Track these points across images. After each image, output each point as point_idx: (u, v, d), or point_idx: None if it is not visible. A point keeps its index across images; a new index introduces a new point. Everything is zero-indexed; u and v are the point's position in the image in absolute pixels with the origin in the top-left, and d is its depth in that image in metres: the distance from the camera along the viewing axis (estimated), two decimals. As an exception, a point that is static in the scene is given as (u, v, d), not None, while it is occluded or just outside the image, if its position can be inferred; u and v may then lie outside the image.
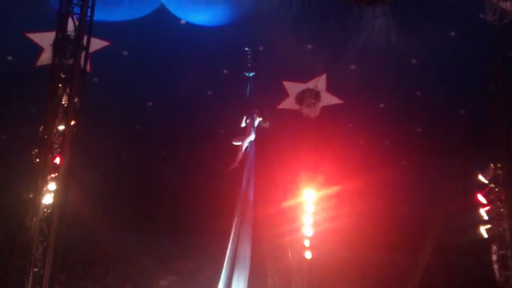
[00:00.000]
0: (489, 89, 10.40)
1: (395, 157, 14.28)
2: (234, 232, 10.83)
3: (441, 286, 14.46)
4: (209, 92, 13.20)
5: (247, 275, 10.74)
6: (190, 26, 11.70)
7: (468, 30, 11.44)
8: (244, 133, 11.08)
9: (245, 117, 11.05)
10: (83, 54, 9.04)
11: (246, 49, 10.95)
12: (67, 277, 13.94)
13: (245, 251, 10.76)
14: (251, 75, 10.99)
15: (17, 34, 11.31)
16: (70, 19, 8.96)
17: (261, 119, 11.10)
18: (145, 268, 15.00)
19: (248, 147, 11.14)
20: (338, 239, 14.04)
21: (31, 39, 11.36)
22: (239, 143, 11.03)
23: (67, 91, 8.81)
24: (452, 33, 11.80)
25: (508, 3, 10.44)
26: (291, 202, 13.99)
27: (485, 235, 10.72)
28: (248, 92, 11.03)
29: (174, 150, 14.42)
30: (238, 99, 11.60)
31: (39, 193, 8.50)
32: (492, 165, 10.48)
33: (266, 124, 11.12)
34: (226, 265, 10.68)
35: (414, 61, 12.50)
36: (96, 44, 10.89)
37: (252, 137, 11.09)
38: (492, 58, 10.26)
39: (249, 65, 10.92)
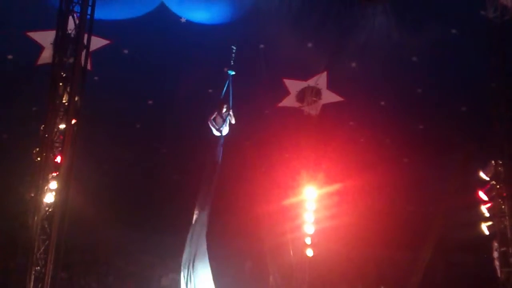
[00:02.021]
0: (490, 86, 10.39)
1: (396, 154, 14.27)
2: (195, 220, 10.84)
3: (442, 283, 14.48)
4: (210, 90, 13.19)
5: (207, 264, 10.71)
6: (190, 24, 11.69)
7: (469, 27, 11.42)
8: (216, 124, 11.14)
9: (215, 113, 11.10)
10: (83, 52, 9.04)
11: (232, 47, 10.95)
12: (69, 275, 13.97)
13: (200, 239, 10.75)
14: (232, 73, 11.01)
15: (18, 33, 11.30)
16: (70, 18, 8.94)
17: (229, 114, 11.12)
18: (146, 266, 15.02)
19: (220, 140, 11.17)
20: (339, 237, 14.05)
21: (31, 37, 11.35)
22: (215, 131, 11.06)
23: (68, 89, 8.80)
24: (453, 30, 11.78)
25: (508, 0, 10.42)
26: (292, 200, 14.00)
27: (486, 232, 10.73)
28: (225, 90, 11.05)
29: (174, 149, 14.42)
30: (240, 97, 11.59)
31: (40, 192, 8.51)
32: (493, 162, 10.49)
33: (232, 120, 11.18)
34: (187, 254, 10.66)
35: (414, 58, 12.49)
36: (97, 42, 10.89)
37: (224, 131, 11.12)
38: (493, 55, 10.25)
39: (232, 63, 10.92)
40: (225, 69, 11.48)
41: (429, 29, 11.61)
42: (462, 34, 11.68)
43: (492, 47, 10.27)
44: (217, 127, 11.09)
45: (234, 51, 10.92)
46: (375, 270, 15.36)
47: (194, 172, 14.09)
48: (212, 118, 11.15)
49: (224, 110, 11.10)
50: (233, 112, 11.12)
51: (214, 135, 11.18)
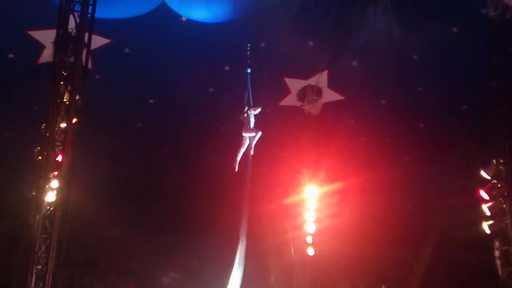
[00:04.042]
0: (491, 85, 10.37)
1: (397, 153, 14.26)
2: (242, 229, 10.94)
3: (443, 282, 14.47)
4: (211, 89, 13.20)
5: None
6: (191, 23, 11.70)
7: (470, 25, 11.40)
8: (246, 125, 11.06)
9: (246, 109, 11.03)
10: (84, 51, 9.04)
11: (248, 45, 10.95)
12: (70, 274, 13.97)
13: (243, 247, 10.90)
14: (249, 71, 11.02)
15: (18, 32, 11.30)
16: (71, 17, 8.95)
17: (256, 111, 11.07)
18: (148, 265, 15.02)
19: (251, 142, 11.12)
20: (341, 236, 14.03)
21: (32, 36, 11.35)
22: (248, 135, 11.00)
23: (69, 88, 8.81)
24: (454, 29, 11.77)
25: (510, -2, 10.41)
26: (293, 199, 13.97)
27: (488, 231, 10.70)
28: (248, 88, 11.05)
29: (175, 147, 14.42)
30: (240, 96, 11.59)
31: (41, 190, 8.51)
32: (494, 161, 10.46)
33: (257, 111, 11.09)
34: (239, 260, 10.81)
35: (416, 57, 12.49)
36: (98, 41, 10.89)
37: (258, 133, 11.04)
38: (494, 54, 10.23)
39: (248, 61, 10.92)
40: (227, 68, 11.49)
41: (430, 28, 11.60)
42: (463, 32, 11.67)
43: (493, 46, 10.25)
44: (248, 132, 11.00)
45: (248, 49, 10.90)
46: (377, 269, 15.36)
47: (196, 171, 14.14)
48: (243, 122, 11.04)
49: (257, 111, 11.01)
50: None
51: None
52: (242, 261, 10.84)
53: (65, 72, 8.84)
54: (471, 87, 12.42)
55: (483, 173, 10.85)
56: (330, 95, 13.43)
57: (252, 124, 10.96)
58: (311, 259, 13.66)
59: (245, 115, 10.93)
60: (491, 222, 10.61)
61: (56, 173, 8.63)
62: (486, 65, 10.43)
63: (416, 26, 11.74)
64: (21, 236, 8.65)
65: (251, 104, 10.94)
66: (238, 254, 10.81)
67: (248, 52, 10.87)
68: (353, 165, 13.86)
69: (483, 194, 10.86)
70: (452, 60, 12.19)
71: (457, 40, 11.79)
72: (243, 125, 10.92)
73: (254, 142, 10.98)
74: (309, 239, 13.74)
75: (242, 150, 11.00)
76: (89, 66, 9.41)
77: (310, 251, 13.66)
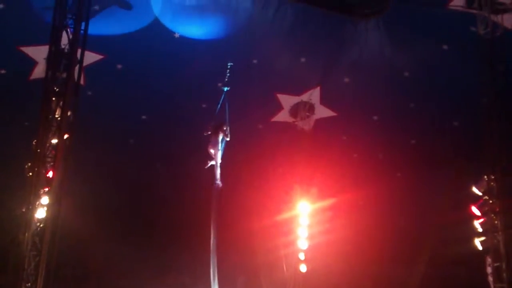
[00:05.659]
0: (481, 102, 10.46)
1: (389, 169, 14.29)
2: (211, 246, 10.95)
3: (436, 299, 14.41)
4: (204, 105, 13.21)
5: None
6: (184, 40, 11.76)
7: (460, 43, 11.54)
8: (213, 142, 11.21)
9: (212, 125, 11.19)
10: (77, 67, 9.03)
11: (229, 63, 11.07)
12: (60, 291, 13.78)
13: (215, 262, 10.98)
14: (226, 89, 11.14)
15: (11, 48, 11.30)
16: (64, 33, 8.97)
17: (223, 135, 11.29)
18: (138, 281, 14.84)
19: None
20: (333, 252, 13.98)
21: (24, 52, 11.34)
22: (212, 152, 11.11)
23: (61, 104, 8.79)
24: (445, 46, 11.90)
25: (499, 16, 10.57)
26: (285, 215, 13.94)
27: (480, 248, 10.71)
28: (220, 105, 11.19)
29: (168, 164, 14.38)
30: (232, 112, 11.63)
31: (31, 207, 8.44)
32: (485, 177, 10.51)
33: (227, 137, 11.29)
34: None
35: (407, 73, 12.60)
36: (90, 57, 10.90)
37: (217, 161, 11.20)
38: (484, 71, 10.35)
39: (226, 79, 11.04)
40: (219, 85, 11.55)
41: (421, 45, 11.72)
42: (453, 50, 11.80)
43: (483, 63, 10.36)
44: (214, 150, 11.16)
45: (229, 67, 11.00)
46: (370, 285, 15.28)
47: (188, 188, 14.08)
48: (207, 137, 11.19)
49: (224, 128, 11.19)
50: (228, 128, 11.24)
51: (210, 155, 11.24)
52: (216, 277, 10.85)
53: (57, 88, 8.83)
54: (462, 104, 12.53)
55: (474, 189, 10.89)
56: (322, 111, 13.49)
57: (217, 142, 11.15)
58: (303, 276, 13.58)
59: (211, 132, 11.13)
60: (483, 238, 10.62)
61: (46, 189, 8.56)
62: (477, 82, 10.53)
63: (407, 43, 11.87)
64: (10, 253, 8.54)
65: (219, 122, 11.11)
66: (211, 270, 10.85)
67: (228, 71, 10.99)
68: (345, 181, 13.87)
69: (475, 210, 10.88)
70: (443, 77, 12.31)
71: (448, 57, 11.92)
72: (209, 141, 11.10)
73: (218, 172, 11.13)
74: (301, 256, 13.67)
75: (211, 163, 11.19)
76: (82, 82, 9.41)
77: (303, 268, 13.59)
